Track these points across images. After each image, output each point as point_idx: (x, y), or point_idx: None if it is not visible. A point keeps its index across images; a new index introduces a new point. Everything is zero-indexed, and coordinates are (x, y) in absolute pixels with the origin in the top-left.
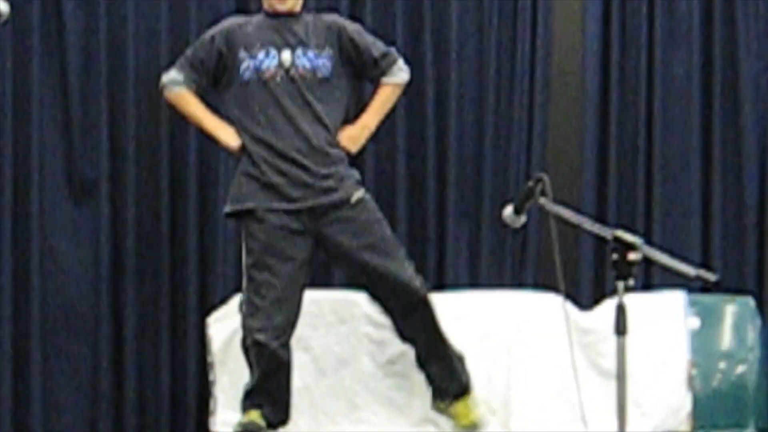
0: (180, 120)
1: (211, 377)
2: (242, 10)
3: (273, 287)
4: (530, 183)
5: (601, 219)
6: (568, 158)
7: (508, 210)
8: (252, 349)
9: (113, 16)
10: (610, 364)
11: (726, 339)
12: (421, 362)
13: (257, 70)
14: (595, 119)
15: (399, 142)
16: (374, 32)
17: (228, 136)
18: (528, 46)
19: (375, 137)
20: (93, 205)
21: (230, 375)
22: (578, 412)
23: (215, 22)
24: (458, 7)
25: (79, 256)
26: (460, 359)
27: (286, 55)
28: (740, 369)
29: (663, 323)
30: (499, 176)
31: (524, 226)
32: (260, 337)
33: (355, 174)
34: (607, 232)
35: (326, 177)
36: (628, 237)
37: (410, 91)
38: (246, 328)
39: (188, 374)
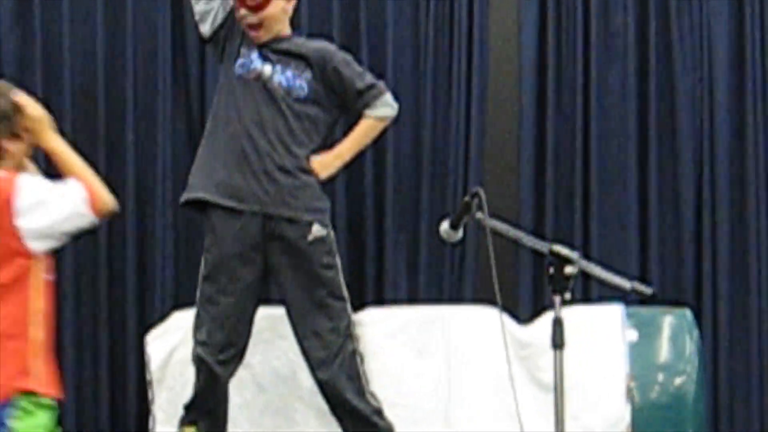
0: (116, 135)
1: (149, 395)
2: (177, 22)
3: (218, 304)
4: (467, 198)
5: (538, 233)
6: (504, 172)
7: (445, 225)
8: (193, 362)
9: (48, 33)
10: (549, 377)
11: (664, 351)
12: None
13: (247, 68)
14: (532, 133)
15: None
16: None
17: None
18: (464, 60)
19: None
20: None
21: (169, 392)
22: (517, 425)
23: (151, 36)
24: (394, 22)
25: None
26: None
27: (267, 68)
28: (678, 381)
29: (601, 336)
30: (437, 191)
31: (462, 241)
32: (200, 351)
33: (323, 207)
34: (543, 246)
35: (286, 192)
36: (564, 251)
37: None
38: (193, 340)
39: (127, 392)
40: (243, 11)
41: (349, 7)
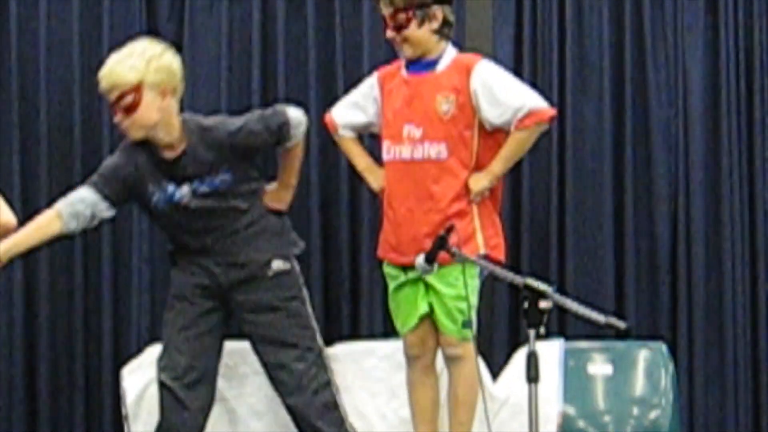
0: (92, 171)
1: (125, 429)
2: (153, 31)
3: (176, 326)
4: (442, 232)
5: (514, 267)
6: None
7: (420, 259)
8: (158, 390)
9: (24, 41)
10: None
11: (639, 385)
12: None
13: (166, 201)
14: None
15: (312, 188)
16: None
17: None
18: None
19: None
20: None
21: (144, 427)
22: None
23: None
24: (370, 51)
25: None
26: None
27: (185, 189)
28: (653, 414)
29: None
30: None
31: None
32: (162, 377)
33: (283, 244)
34: (518, 280)
35: (242, 244)
36: (539, 285)
37: (321, 133)
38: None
39: (103, 426)
40: (118, 116)
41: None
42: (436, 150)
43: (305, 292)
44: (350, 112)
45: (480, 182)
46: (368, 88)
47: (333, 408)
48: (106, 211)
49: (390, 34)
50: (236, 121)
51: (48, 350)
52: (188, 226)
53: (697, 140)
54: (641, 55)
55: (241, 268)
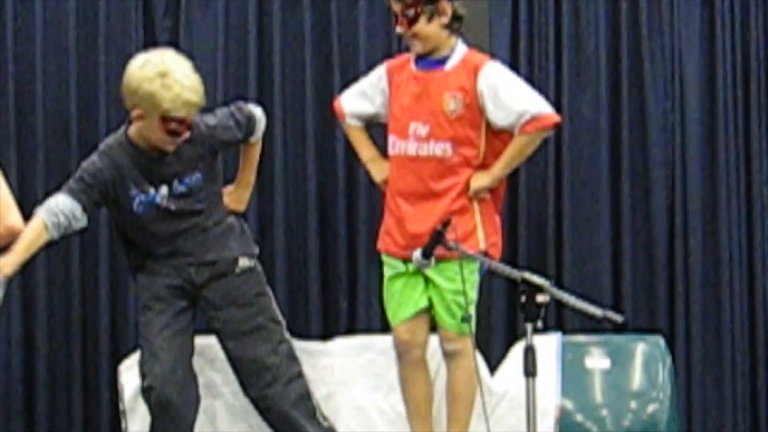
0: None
1: (123, 425)
2: (149, 26)
3: (158, 326)
4: (438, 226)
5: (511, 261)
6: None
7: (417, 254)
8: (144, 397)
9: (21, 35)
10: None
11: (637, 378)
12: None
13: (147, 204)
14: None
15: (309, 183)
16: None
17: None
18: None
19: (285, 180)
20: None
21: (142, 422)
22: None
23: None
24: (366, 47)
25: None
26: None
27: (164, 191)
28: (651, 408)
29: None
30: None
31: None
32: (149, 381)
33: (246, 244)
34: (515, 274)
35: (210, 243)
36: (536, 279)
37: (317, 131)
38: (140, 377)
39: (101, 422)
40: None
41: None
42: (442, 148)
43: (269, 290)
44: (358, 101)
45: (480, 181)
46: (377, 79)
47: (306, 398)
48: (81, 220)
49: (400, 29)
50: (210, 118)
51: (46, 346)
52: (163, 228)
53: (693, 132)
54: (638, 48)
55: (212, 266)
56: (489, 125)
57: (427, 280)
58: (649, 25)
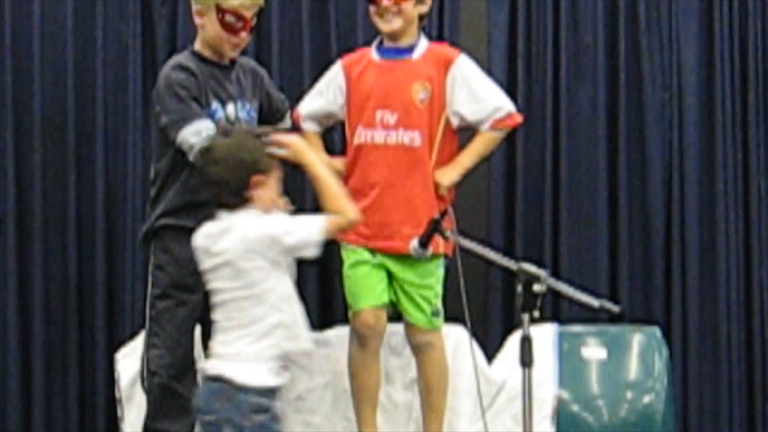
0: (86, 156)
1: (119, 413)
2: (147, 14)
3: (177, 317)
4: (436, 216)
5: (508, 252)
6: (475, 191)
7: (414, 243)
8: (148, 390)
9: (18, 22)
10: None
11: (633, 369)
12: None
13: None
14: (502, 151)
15: (305, 176)
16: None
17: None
18: None
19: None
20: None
21: (138, 410)
22: None
23: (122, 60)
24: (364, 39)
25: None
26: None
27: (230, 109)
28: (647, 399)
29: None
30: None
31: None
32: (160, 376)
33: None
34: (512, 264)
35: None
36: (533, 269)
37: None
38: (145, 368)
39: (97, 410)
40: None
41: (319, 17)
42: (410, 137)
43: None
44: (313, 101)
45: (449, 175)
46: (333, 75)
47: None
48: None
49: (386, 3)
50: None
51: (42, 334)
52: None
53: (691, 123)
54: (636, 39)
55: None
56: (447, 124)
57: (391, 276)
58: (648, 15)
